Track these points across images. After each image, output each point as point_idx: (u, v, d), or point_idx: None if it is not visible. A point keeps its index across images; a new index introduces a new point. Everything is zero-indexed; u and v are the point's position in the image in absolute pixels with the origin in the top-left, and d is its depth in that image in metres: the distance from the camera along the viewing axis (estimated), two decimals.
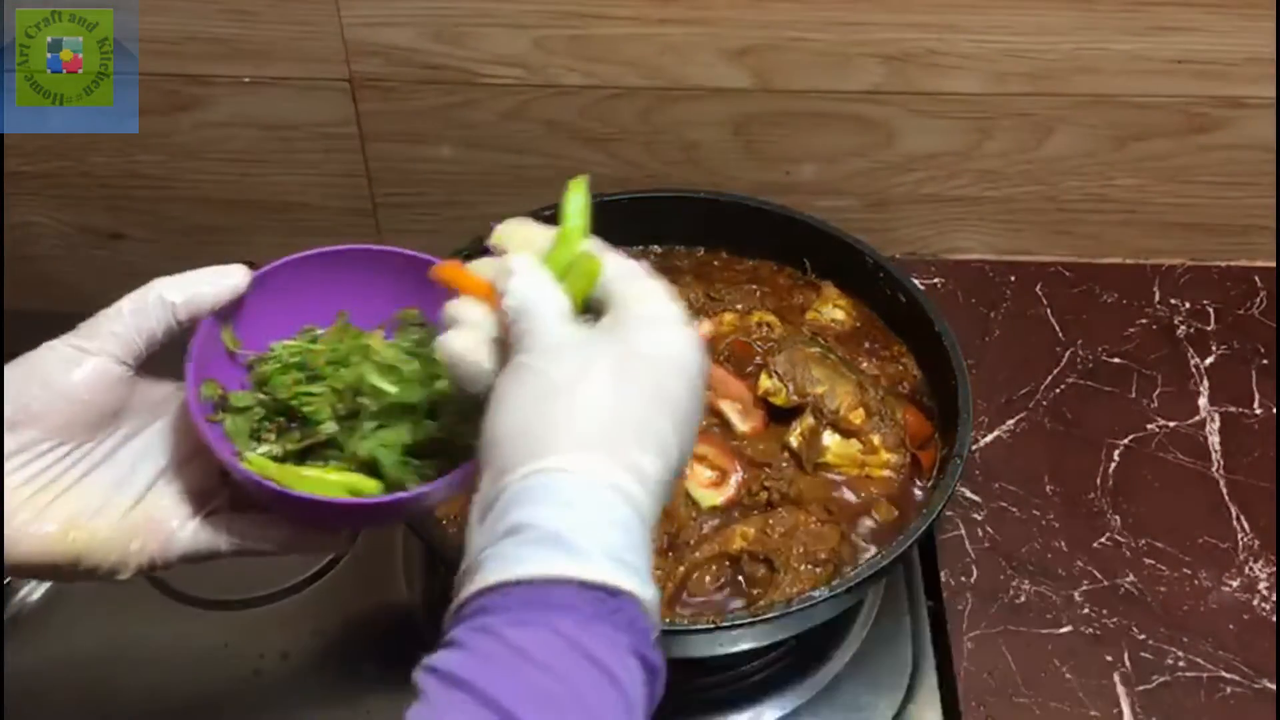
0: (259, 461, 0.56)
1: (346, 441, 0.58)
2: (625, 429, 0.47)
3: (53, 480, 0.54)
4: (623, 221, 0.97)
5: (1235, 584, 0.89)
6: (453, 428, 0.58)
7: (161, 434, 0.58)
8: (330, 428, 0.59)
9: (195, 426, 0.55)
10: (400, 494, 0.56)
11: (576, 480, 0.45)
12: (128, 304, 0.55)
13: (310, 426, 0.59)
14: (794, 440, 0.83)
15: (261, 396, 0.59)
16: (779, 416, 0.85)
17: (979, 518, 0.92)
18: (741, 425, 0.84)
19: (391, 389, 0.58)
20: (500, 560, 0.44)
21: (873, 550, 0.79)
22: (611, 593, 0.44)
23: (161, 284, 0.55)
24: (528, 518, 0.44)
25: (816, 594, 0.71)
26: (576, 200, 0.56)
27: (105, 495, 0.55)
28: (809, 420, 0.83)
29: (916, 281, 0.91)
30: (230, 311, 0.58)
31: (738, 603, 0.76)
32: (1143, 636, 0.85)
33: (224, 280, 0.57)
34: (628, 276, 0.53)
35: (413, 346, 0.60)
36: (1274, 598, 0.88)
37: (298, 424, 0.59)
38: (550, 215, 0.99)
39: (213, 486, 0.58)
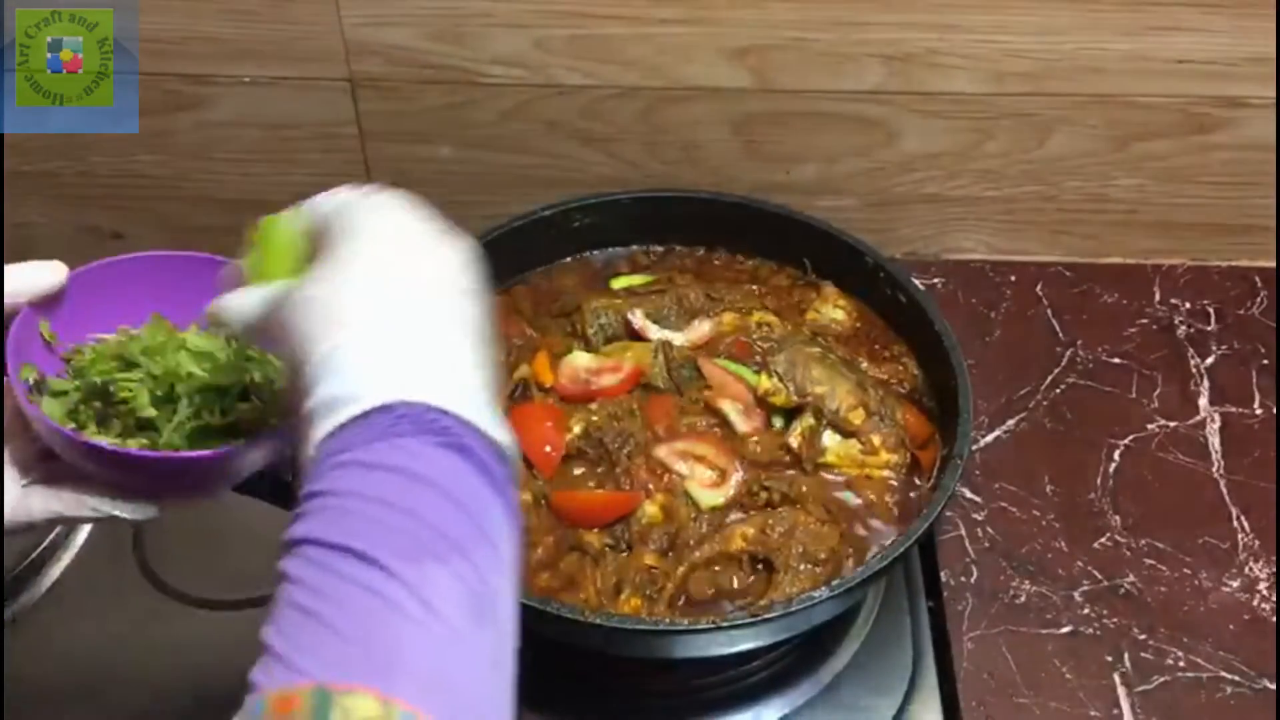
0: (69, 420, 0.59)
1: (163, 427, 0.60)
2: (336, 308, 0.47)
3: None
4: (623, 221, 0.97)
5: (1235, 584, 0.89)
6: (267, 406, 0.62)
7: None
8: (148, 410, 0.60)
9: (13, 394, 0.56)
10: (203, 452, 0.58)
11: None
12: None
13: (126, 411, 0.61)
14: (794, 440, 0.83)
15: (78, 382, 0.61)
16: (779, 416, 0.85)
17: (979, 518, 0.92)
18: (741, 425, 0.84)
19: (203, 373, 0.61)
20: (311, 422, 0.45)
21: (873, 550, 0.79)
22: (384, 408, 0.44)
23: None
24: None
25: (816, 594, 0.71)
26: (275, 234, 0.56)
27: None
28: (809, 420, 0.83)
29: (916, 281, 0.91)
30: (48, 307, 0.60)
31: (738, 603, 0.76)
32: (1143, 637, 0.85)
33: (43, 274, 0.58)
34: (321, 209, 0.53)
35: (226, 337, 0.63)
36: (1274, 598, 0.88)
37: (114, 410, 0.61)
38: (549, 215, 0.99)
39: (28, 462, 0.58)
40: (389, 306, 0.47)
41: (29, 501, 0.58)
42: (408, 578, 0.40)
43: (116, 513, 0.59)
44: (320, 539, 0.41)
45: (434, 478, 0.43)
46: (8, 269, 0.58)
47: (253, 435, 0.60)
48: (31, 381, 0.59)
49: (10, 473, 0.58)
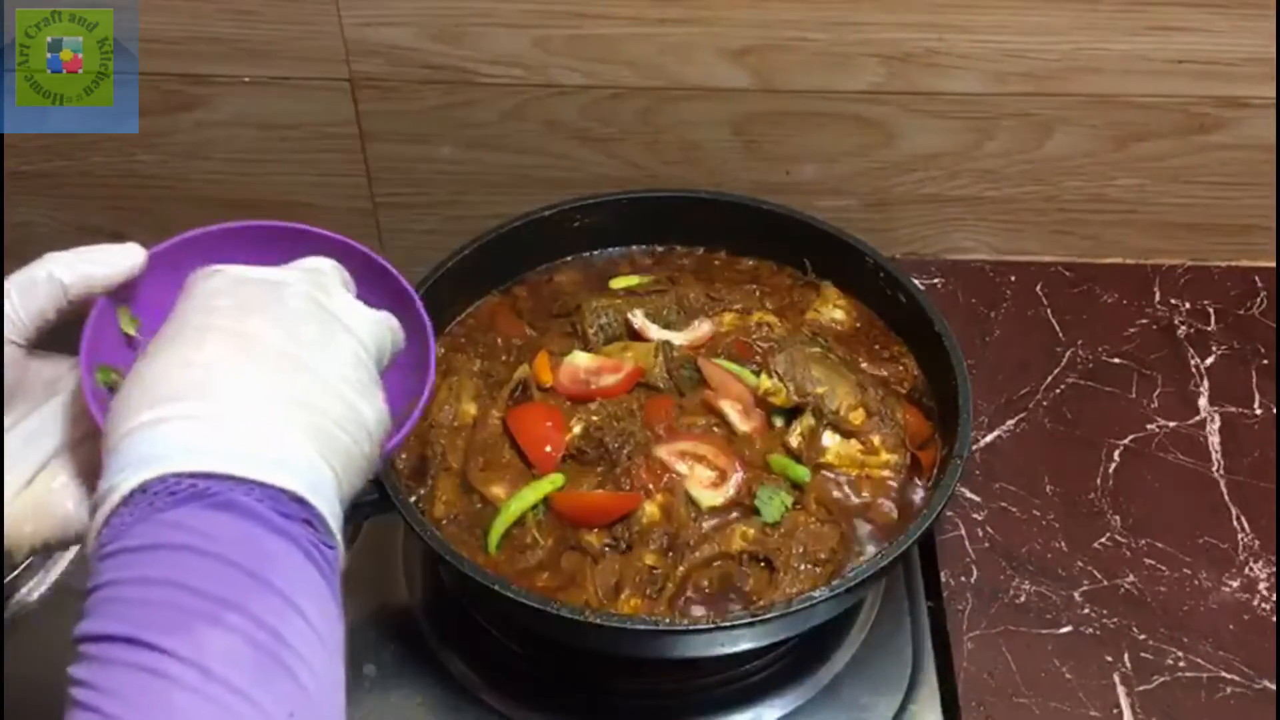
0: None
1: None
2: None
3: None
4: (623, 221, 0.97)
5: (1235, 584, 0.89)
6: None
7: (55, 414, 0.55)
8: None
9: (89, 411, 0.52)
10: None
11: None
12: (14, 281, 0.51)
13: None
14: (794, 440, 0.83)
15: None
16: (779, 416, 0.85)
17: (979, 518, 0.92)
18: (741, 425, 0.84)
19: None
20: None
21: (873, 550, 0.79)
22: (143, 487, 0.43)
23: (52, 260, 0.52)
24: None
25: (816, 594, 0.71)
26: None
27: None
28: (809, 420, 0.83)
29: (916, 281, 0.91)
30: (128, 291, 0.55)
31: (738, 603, 0.76)
32: (1143, 637, 0.85)
33: (119, 260, 0.54)
34: None
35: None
36: (1274, 598, 0.88)
37: None
38: (549, 215, 0.99)
39: (98, 466, 0.55)
40: (180, 373, 0.46)
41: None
42: (178, 649, 0.39)
43: None
44: (92, 633, 0.41)
45: (193, 542, 0.42)
46: (81, 252, 0.53)
47: None
48: (111, 383, 0.55)
49: (81, 488, 0.53)
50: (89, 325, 0.54)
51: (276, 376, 0.47)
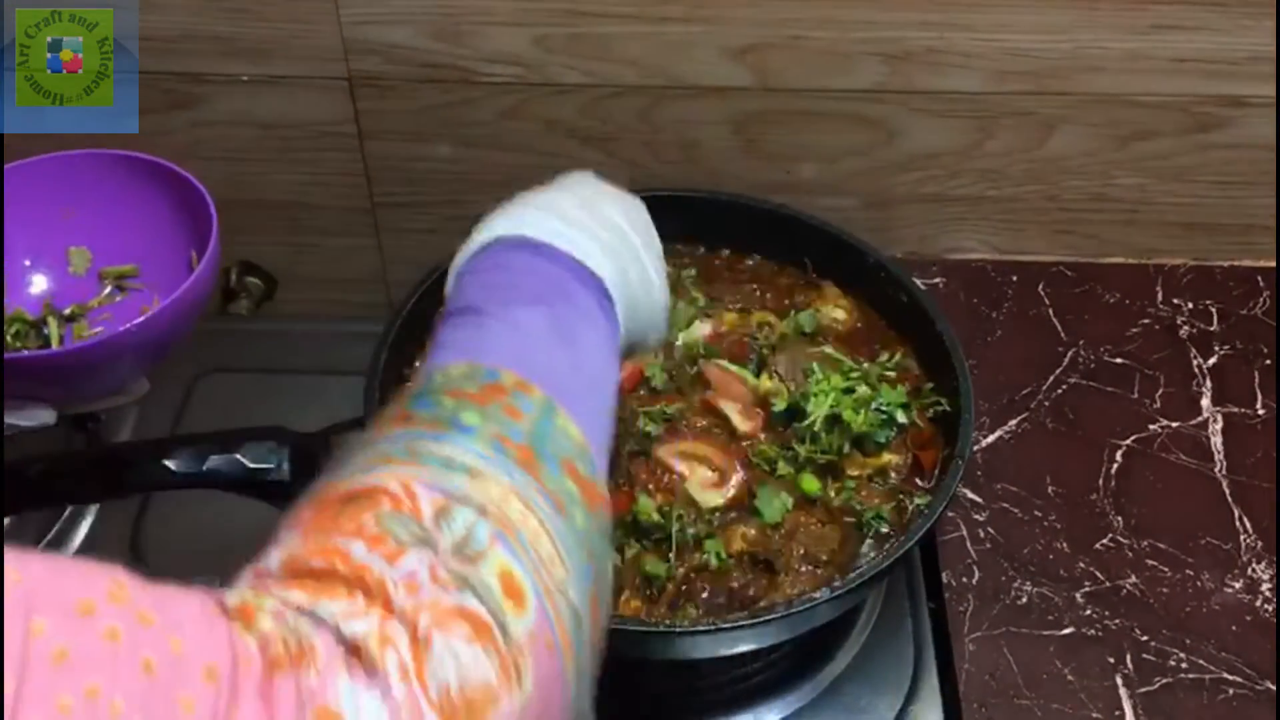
0: None
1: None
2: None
3: None
4: None
5: (1237, 585, 0.88)
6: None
7: None
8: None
9: None
10: (79, 344, 0.68)
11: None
12: None
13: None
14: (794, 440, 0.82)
15: None
16: (779, 416, 0.85)
17: (980, 518, 0.92)
18: (741, 425, 0.84)
19: None
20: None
21: (874, 551, 0.79)
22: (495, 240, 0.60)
23: None
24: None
25: (817, 595, 0.71)
26: None
27: None
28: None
29: (917, 281, 0.91)
30: None
31: (738, 604, 0.76)
32: (1145, 638, 0.85)
33: None
34: None
35: None
36: (1276, 599, 0.87)
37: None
38: None
39: None
40: (533, 194, 0.64)
41: None
42: (497, 314, 0.55)
43: (12, 421, 0.66)
44: (446, 311, 0.58)
45: (521, 266, 0.58)
46: None
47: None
48: None
49: None
50: None
51: (605, 233, 0.62)
